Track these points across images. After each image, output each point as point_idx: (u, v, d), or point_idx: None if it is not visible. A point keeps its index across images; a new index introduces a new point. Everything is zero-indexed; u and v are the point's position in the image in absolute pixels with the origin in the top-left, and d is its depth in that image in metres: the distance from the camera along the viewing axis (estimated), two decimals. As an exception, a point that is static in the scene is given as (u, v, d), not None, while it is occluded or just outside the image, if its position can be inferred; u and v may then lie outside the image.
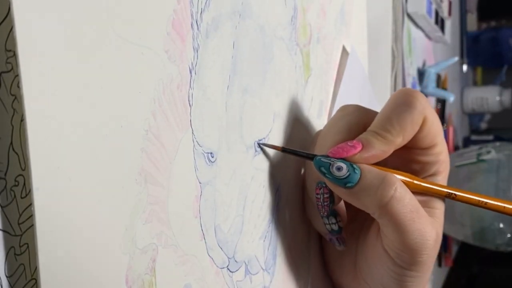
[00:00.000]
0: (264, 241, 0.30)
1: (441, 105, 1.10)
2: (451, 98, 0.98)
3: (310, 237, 0.36)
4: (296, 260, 0.34)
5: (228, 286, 0.26)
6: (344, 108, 0.31)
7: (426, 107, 0.28)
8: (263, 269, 0.30)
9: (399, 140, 0.27)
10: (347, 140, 0.28)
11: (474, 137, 1.53)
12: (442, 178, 0.30)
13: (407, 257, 0.27)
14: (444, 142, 0.30)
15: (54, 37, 0.16)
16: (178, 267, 0.22)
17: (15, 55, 0.16)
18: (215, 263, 0.25)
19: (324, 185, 0.29)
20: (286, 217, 0.33)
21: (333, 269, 0.35)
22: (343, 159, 0.27)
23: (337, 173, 0.26)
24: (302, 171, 0.35)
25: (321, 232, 0.33)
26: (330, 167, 0.26)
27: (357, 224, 0.32)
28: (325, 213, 0.29)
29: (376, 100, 0.55)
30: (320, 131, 0.35)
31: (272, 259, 0.31)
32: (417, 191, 0.28)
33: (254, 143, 0.29)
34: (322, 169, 0.27)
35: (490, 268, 1.33)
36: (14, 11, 0.15)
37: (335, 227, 0.30)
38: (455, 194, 0.28)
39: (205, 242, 0.24)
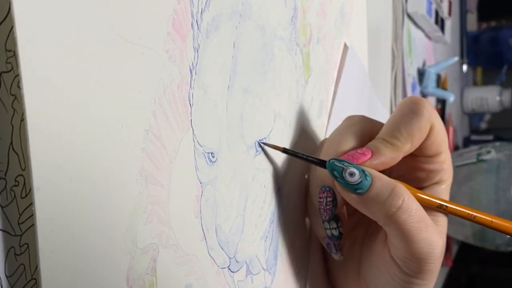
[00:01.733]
0: (265, 241, 0.30)
1: (441, 105, 1.10)
2: (451, 98, 0.98)
3: (311, 237, 0.36)
4: (297, 260, 0.34)
5: (229, 286, 0.26)
6: (350, 118, 0.31)
7: (433, 115, 0.28)
8: (264, 269, 0.30)
9: (408, 147, 0.28)
10: (355, 148, 0.28)
11: (474, 137, 1.53)
12: (446, 186, 0.30)
13: (414, 266, 0.27)
14: (448, 151, 0.30)
15: (54, 37, 0.16)
16: (178, 267, 0.22)
17: (15, 55, 0.16)
18: (216, 263, 0.25)
19: (328, 189, 0.29)
20: (287, 217, 0.33)
21: (336, 275, 0.35)
22: (353, 164, 0.27)
23: (349, 179, 0.26)
24: (306, 176, 0.35)
25: (319, 237, 0.33)
26: (343, 171, 0.27)
27: (361, 230, 0.32)
28: (327, 217, 0.29)
29: (377, 96, 0.55)
30: (326, 139, 0.35)
31: (273, 259, 0.31)
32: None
33: (255, 143, 0.29)
34: (335, 173, 0.27)
35: (490, 268, 1.33)
36: (14, 11, 0.15)
37: (336, 233, 0.30)
38: (446, 206, 0.28)
39: (206, 242, 0.24)
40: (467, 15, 1.57)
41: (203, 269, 0.24)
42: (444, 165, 0.30)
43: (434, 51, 1.06)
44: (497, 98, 1.50)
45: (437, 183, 0.30)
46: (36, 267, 0.17)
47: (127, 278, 0.19)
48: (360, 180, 0.26)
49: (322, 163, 0.28)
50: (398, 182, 0.27)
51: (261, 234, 0.29)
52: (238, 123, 0.27)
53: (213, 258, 0.25)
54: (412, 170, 0.30)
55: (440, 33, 0.98)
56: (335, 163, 0.27)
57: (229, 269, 0.26)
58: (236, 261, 0.27)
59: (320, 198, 0.29)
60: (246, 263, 0.28)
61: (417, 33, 0.90)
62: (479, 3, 1.71)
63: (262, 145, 0.29)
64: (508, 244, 0.93)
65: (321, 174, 0.30)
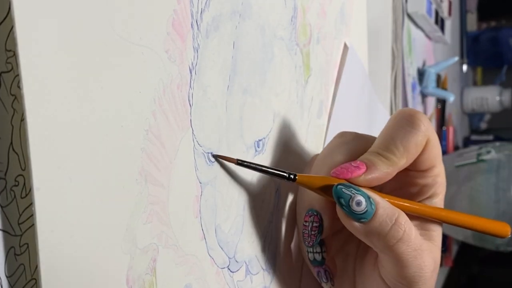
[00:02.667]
0: (264, 241, 0.30)
1: (441, 105, 1.10)
2: (451, 98, 0.98)
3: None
4: (296, 260, 0.34)
5: (228, 286, 0.26)
6: (342, 134, 0.30)
7: (429, 129, 0.27)
8: (263, 269, 0.30)
9: (403, 162, 0.27)
10: (348, 161, 0.27)
11: (474, 137, 1.53)
12: (439, 200, 0.29)
13: (405, 286, 0.26)
14: (441, 164, 0.29)
15: (55, 37, 0.16)
16: (178, 267, 0.22)
17: (15, 55, 0.16)
18: (215, 263, 0.25)
19: (315, 213, 0.28)
20: (286, 217, 0.33)
21: None
22: (360, 190, 0.25)
23: (355, 208, 0.25)
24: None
25: (308, 265, 0.31)
26: (350, 200, 0.25)
27: (353, 244, 0.32)
28: (310, 243, 0.28)
29: (377, 96, 0.55)
30: (316, 155, 0.34)
31: (272, 259, 0.31)
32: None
33: (210, 154, 0.26)
34: (341, 200, 0.25)
35: (490, 268, 1.33)
36: (14, 11, 0.15)
37: (318, 257, 0.28)
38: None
39: (206, 242, 0.24)
40: (467, 15, 1.57)
41: (202, 269, 0.24)
42: (438, 178, 0.29)
43: (434, 51, 1.06)
44: (497, 98, 1.50)
45: (430, 197, 0.29)
46: (36, 267, 0.17)
47: (127, 278, 0.19)
48: (366, 209, 0.25)
49: (286, 177, 0.26)
50: (400, 211, 0.26)
51: (261, 234, 0.29)
52: (237, 123, 0.27)
53: (212, 258, 0.25)
54: (404, 185, 0.29)
55: (440, 33, 0.98)
56: (343, 189, 0.25)
57: (229, 269, 0.26)
58: (236, 261, 0.27)
59: (305, 222, 0.28)
60: (246, 263, 0.28)
61: (417, 33, 0.90)
62: (479, 3, 1.71)
63: (215, 157, 0.26)
64: (508, 244, 0.93)
65: (310, 196, 0.28)
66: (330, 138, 0.35)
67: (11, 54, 0.16)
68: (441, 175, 0.29)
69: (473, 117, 1.67)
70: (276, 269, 0.31)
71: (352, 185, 0.26)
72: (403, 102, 0.77)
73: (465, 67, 1.53)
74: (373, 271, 0.29)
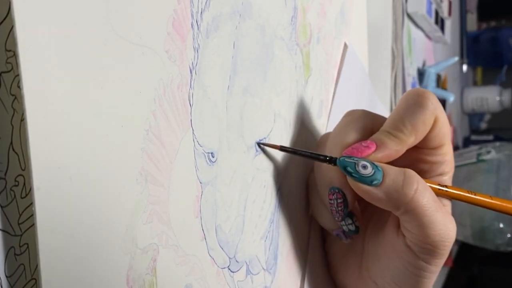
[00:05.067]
0: (265, 241, 0.30)
1: (441, 105, 1.10)
2: (451, 98, 0.98)
3: (310, 237, 0.36)
4: (297, 260, 0.34)
5: (229, 286, 0.26)
6: (351, 112, 0.31)
7: (438, 108, 0.28)
8: (264, 269, 0.30)
9: (412, 139, 0.28)
10: (359, 141, 0.28)
11: (474, 137, 1.53)
12: (448, 178, 0.30)
13: (431, 250, 0.27)
14: (450, 143, 0.30)
15: (55, 37, 0.16)
16: (179, 267, 0.22)
17: (15, 55, 0.16)
18: (216, 263, 0.25)
19: (337, 190, 0.29)
20: (287, 217, 0.33)
21: (337, 269, 0.35)
22: (362, 158, 0.27)
23: (363, 171, 0.26)
24: (306, 173, 0.35)
25: (328, 229, 0.33)
26: (356, 165, 0.27)
27: (363, 223, 0.32)
28: (340, 218, 0.29)
29: (377, 96, 0.55)
30: (325, 135, 0.35)
31: (273, 259, 0.31)
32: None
33: (255, 143, 0.29)
34: (348, 168, 0.27)
35: (490, 268, 1.33)
36: (14, 11, 0.15)
37: (352, 227, 0.30)
38: (445, 190, 0.29)
39: (206, 242, 0.24)
40: (467, 15, 1.57)
41: (203, 269, 0.24)
42: (447, 157, 0.30)
43: (434, 51, 1.06)
44: (497, 98, 1.50)
45: (439, 174, 0.30)
46: (36, 267, 0.17)
47: (127, 278, 0.19)
48: (373, 171, 0.26)
49: (326, 159, 0.28)
50: (406, 168, 0.27)
51: (261, 234, 0.29)
52: (238, 123, 0.27)
53: (213, 258, 0.25)
54: (415, 162, 0.30)
55: (440, 33, 0.98)
56: (346, 159, 0.27)
57: (229, 269, 0.26)
58: (236, 261, 0.27)
59: (330, 200, 0.29)
60: (246, 263, 0.28)
61: (417, 33, 0.90)
62: (479, 3, 1.71)
63: (261, 145, 0.29)
64: (508, 244, 0.93)
65: (328, 175, 0.29)
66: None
67: (11, 54, 0.16)
68: (450, 154, 0.30)
69: (473, 117, 1.67)
70: (277, 269, 0.31)
71: (353, 156, 0.27)
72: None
73: (465, 67, 1.53)
74: (395, 241, 0.29)
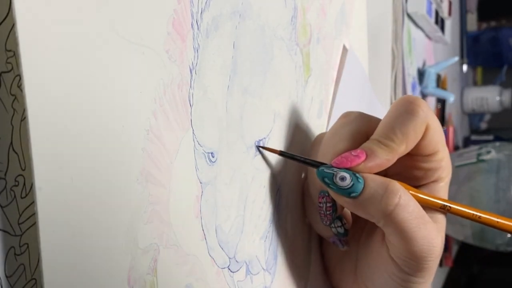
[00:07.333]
0: (265, 241, 0.30)
1: (441, 105, 1.10)
2: (451, 98, 0.98)
3: (311, 237, 0.36)
4: (297, 260, 0.34)
5: (229, 286, 0.26)
6: (347, 115, 0.31)
7: (429, 115, 0.28)
8: (264, 269, 0.30)
9: (403, 148, 0.27)
10: (350, 149, 0.28)
11: (474, 137, 1.52)
12: (444, 184, 0.30)
13: (413, 264, 0.27)
14: (445, 148, 0.29)
15: (55, 36, 0.16)
16: (179, 267, 0.22)
17: (15, 55, 0.16)
18: (216, 263, 0.25)
19: (326, 194, 0.29)
20: (287, 217, 0.33)
21: (333, 273, 0.35)
22: (347, 169, 0.27)
23: (340, 183, 0.26)
24: (303, 175, 0.35)
25: (323, 235, 0.33)
26: (334, 177, 0.26)
27: (358, 228, 0.32)
28: (327, 222, 0.29)
29: (377, 99, 0.55)
30: (320, 135, 0.35)
31: (273, 259, 0.31)
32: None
33: (255, 144, 0.29)
34: (326, 179, 0.27)
35: (490, 268, 1.33)
36: (15, 11, 0.15)
37: (341, 230, 0.30)
38: (449, 206, 0.28)
39: (206, 242, 0.24)
40: (467, 15, 1.57)
41: (203, 269, 0.24)
42: (442, 163, 0.29)
43: (434, 51, 1.06)
44: (497, 98, 1.49)
45: (435, 181, 0.30)
46: (36, 267, 0.17)
47: (128, 278, 0.19)
48: (352, 183, 0.26)
49: (318, 166, 0.28)
50: (392, 180, 0.26)
51: (261, 234, 0.29)
52: (238, 123, 0.27)
53: (213, 258, 0.25)
54: (409, 169, 0.30)
55: (440, 33, 0.98)
56: (324, 169, 0.27)
57: (229, 269, 0.26)
58: (236, 261, 0.27)
59: (319, 203, 0.29)
60: (246, 263, 0.28)
61: (417, 33, 0.90)
62: (479, 3, 1.71)
63: (260, 149, 0.29)
64: (508, 244, 0.93)
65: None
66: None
67: (11, 54, 0.16)
68: (445, 160, 0.30)
69: (473, 117, 1.67)
70: (277, 269, 0.31)
71: (335, 166, 0.27)
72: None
73: (465, 67, 1.53)
74: (380, 251, 0.29)
